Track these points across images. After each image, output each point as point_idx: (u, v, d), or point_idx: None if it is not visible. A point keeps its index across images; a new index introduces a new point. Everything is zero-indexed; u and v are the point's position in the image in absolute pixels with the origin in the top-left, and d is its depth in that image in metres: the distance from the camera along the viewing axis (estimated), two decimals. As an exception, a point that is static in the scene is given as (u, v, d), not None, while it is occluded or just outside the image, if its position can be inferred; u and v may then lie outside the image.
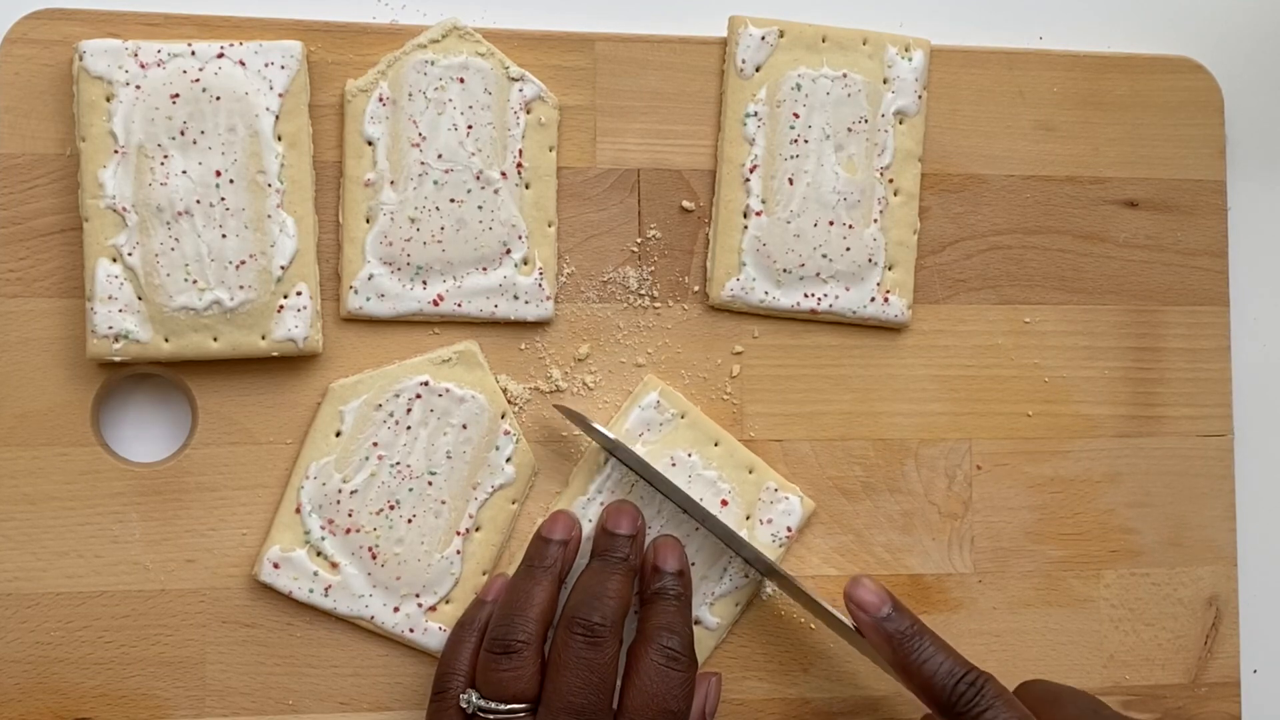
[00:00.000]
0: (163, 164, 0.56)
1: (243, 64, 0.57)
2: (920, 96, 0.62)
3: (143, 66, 0.56)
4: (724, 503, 0.60)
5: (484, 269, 0.59)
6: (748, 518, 0.60)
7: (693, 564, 0.59)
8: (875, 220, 0.61)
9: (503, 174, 0.59)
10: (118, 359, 0.56)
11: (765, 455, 0.61)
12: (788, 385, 0.62)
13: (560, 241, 0.60)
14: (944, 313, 0.63)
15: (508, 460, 0.59)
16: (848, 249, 0.61)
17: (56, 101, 0.57)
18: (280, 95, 0.57)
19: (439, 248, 0.58)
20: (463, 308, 0.59)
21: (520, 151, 0.59)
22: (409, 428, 0.58)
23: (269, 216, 0.57)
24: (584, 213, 0.61)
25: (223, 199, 0.56)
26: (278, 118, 0.57)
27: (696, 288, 0.61)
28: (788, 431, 0.62)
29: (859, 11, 0.64)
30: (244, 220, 0.56)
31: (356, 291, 0.58)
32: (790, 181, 0.60)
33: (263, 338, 0.57)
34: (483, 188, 0.59)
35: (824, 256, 0.60)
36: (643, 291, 0.61)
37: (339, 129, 0.59)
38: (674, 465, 0.60)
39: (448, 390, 0.58)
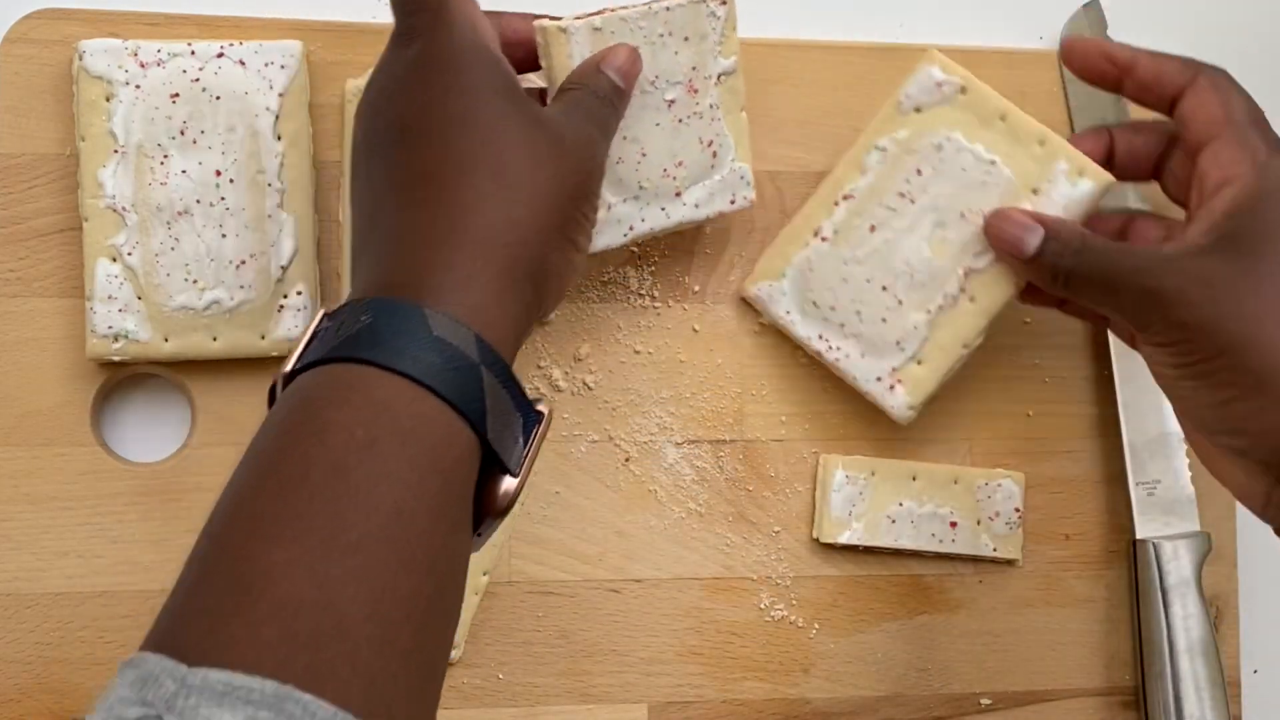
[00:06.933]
0: (162, 164, 0.56)
1: (243, 64, 0.57)
2: None
3: (143, 66, 0.56)
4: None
5: (484, 269, 0.59)
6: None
7: None
8: (929, 311, 0.57)
9: (503, 174, 0.59)
10: (117, 359, 0.56)
11: (766, 455, 0.61)
12: (788, 385, 0.62)
13: (560, 241, 0.60)
14: (944, 313, 0.63)
15: (508, 460, 0.59)
16: (883, 320, 0.57)
17: (56, 101, 0.57)
18: (280, 95, 0.57)
19: (439, 247, 0.58)
20: (463, 307, 0.59)
21: (520, 151, 0.59)
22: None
23: (269, 216, 0.57)
24: (584, 213, 0.61)
25: (223, 199, 0.56)
26: (278, 117, 0.57)
27: (697, 287, 0.61)
28: (788, 431, 0.62)
29: (859, 12, 0.64)
30: (244, 220, 0.56)
31: (356, 291, 0.58)
32: (872, 229, 0.57)
33: (262, 337, 0.57)
34: (483, 187, 0.59)
35: (857, 313, 0.58)
36: (643, 291, 0.61)
37: (339, 129, 0.59)
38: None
39: (448, 390, 0.58)
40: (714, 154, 0.58)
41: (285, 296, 0.57)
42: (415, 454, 0.40)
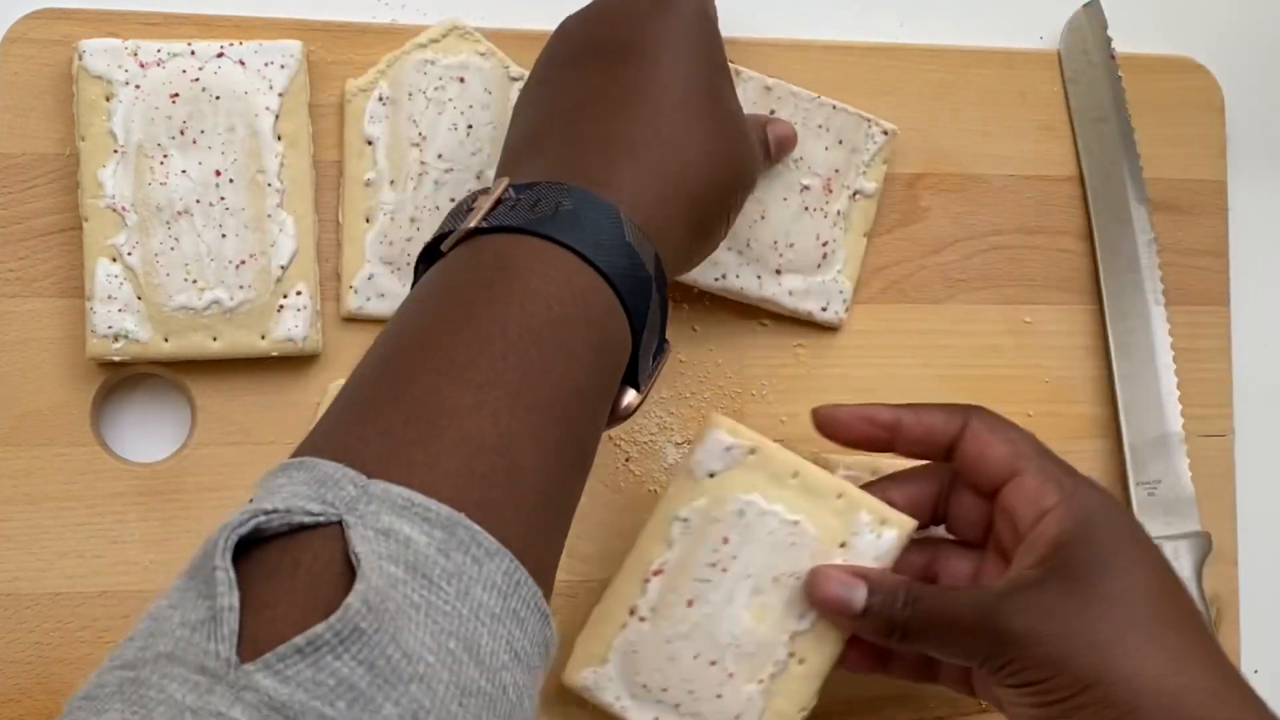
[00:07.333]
0: (162, 164, 0.56)
1: (242, 63, 0.57)
2: None
3: (142, 66, 0.56)
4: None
5: (484, 269, 0.59)
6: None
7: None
8: (761, 681, 0.54)
9: (503, 174, 0.59)
10: (117, 359, 0.56)
11: (765, 455, 0.61)
12: (788, 384, 0.62)
13: (560, 241, 0.60)
14: (944, 313, 0.63)
15: (508, 460, 0.59)
16: (718, 696, 0.54)
17: (56, 101, 0.57)
18: (280, 95, 0.57)
19: (439, 247, 0.58)
20: (463, 307, 0.59)
21: (520, 151, 0.59)
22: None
23: (269, 216, 0.57)
24: (584, 212, 0.61)
25: (222, 199, 0.56)
26: (277, 117, 0.57)
27: (697, 289, 0.61)
28: (788, 431, 0.61)
29: (859, 12, 0.64)
30: (244, 220, 0.56)
31: (356, 291, 0.58)
32: (690, 603, 0.54)
33: (262, 337, 0.57)
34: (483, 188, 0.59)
35: (690, 692, 0.54)
36: (643, 291, 0.61)
37: (339, 129, 0.59)
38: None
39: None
40: (824, 255, 0.60)
41: (285, 296, 0.57)
42: (597, 343, 0.43)
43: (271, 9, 0.59)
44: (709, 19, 0.52)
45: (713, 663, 0.54)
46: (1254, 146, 0.67)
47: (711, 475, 0.54)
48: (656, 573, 0.54)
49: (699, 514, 0.54)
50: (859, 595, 0.52)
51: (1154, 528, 0.62)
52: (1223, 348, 0.65)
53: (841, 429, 0.55)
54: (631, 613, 0.55)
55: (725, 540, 0.54)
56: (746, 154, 0.52)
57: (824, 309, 0.61)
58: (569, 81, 0.51)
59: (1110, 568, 0.49)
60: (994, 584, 0.51)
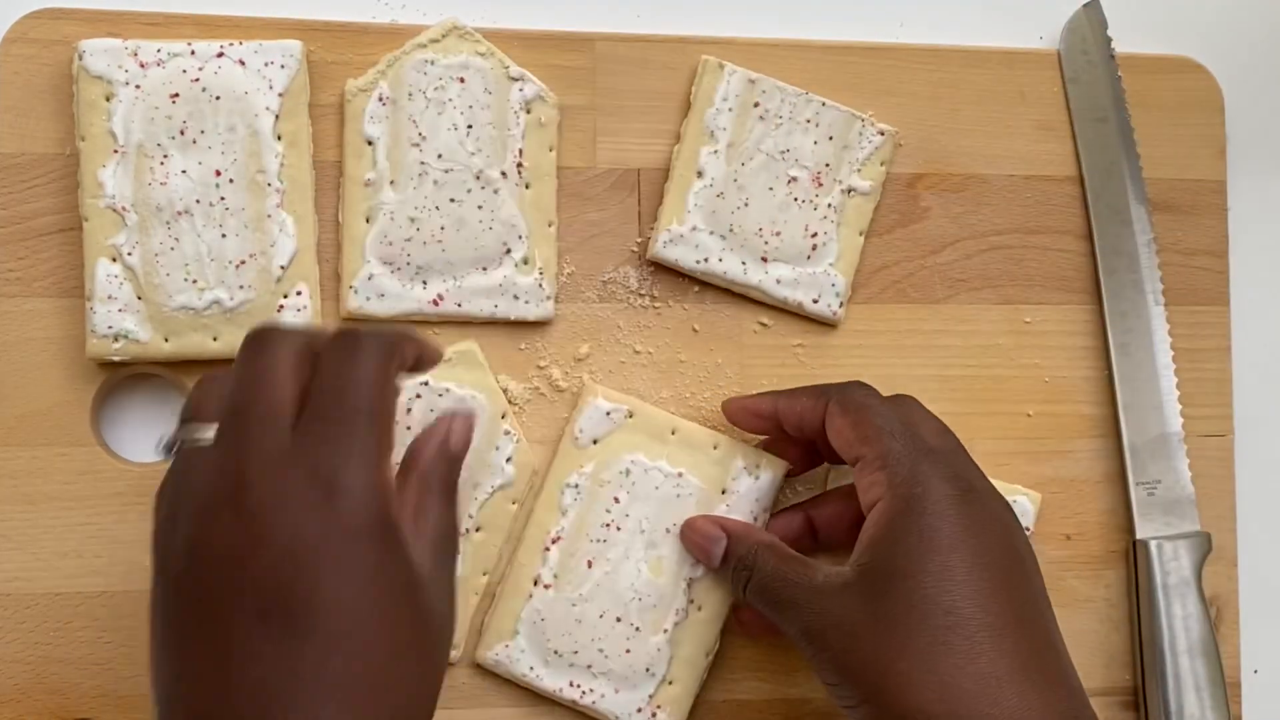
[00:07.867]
0: (162, 164, 0.56)
1: (242, 63, 0.57)
2: (755, 517, 0.58)
3: (142, 66, 0.56)
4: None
5: (484, 269, 0.59)
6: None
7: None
8: (665, 630, 0.57)
9: (503, 174, 0.59)
10: (117, 359, 0.56)
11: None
12: (788, 384, 0.62)
13: (560, 241, 0.60)
14: (944, 313, 0.63)
15: (508, 460, 0.59)
16: (627, 651, 0.57)
17: (56, 101, 0.57)
18: (280, 95, 0.57)
19: (439, 247, 0.58)
20: (463, 307, 0.59)
21: (520, 151, 0.59)
22: (409, 428, 0.58)
23: (269, 216, 0.57)
24: (584, 213, 0.61)
25: (222, 199, 0.56)
26: (277, 117, 0.57)
27: (697, 288, 0.61)
28: (788, 431, 0.62)
29: (859, 12, 0.64)
30: (244, 220, 0.56)
31: (356, 291, 0.58)
32: (589, 564, 0.57)
33: (263, 337, 0.57)
34: (483, 187, 0.59)
35: (600, 651, 0.57)
36: (643, 291, 0.61)
37: (339, 129, 0.59)
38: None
39: (448, 390, 0.58)
40: (814, 246, 0.60)
41: (285, 296, 0.57)
42: None
43: (271, 9, 0.59)
44: (389, 525, 0.42)
45: (618, 619, 0.57)
46: (1254, 146, 0.67)
47: (595, 441, 0.58)
48: (555, 540, 0.57)
49: (588, 478, 0.57)
50: (719, 547, 0.55)
51: (1154, 528, 0.62)
52: (1223, 348, 0.65)
53: (734, 419, 0.58)
54: (535, 582, 0.57)
55: (616, 500, 0.57)
56: (443, 653, 0.45)
57: (815, 301, 0.61)
58: (229, 654, 0.40)
59: (906, 580, 0.49)
60: (818, 574, 0.51)
